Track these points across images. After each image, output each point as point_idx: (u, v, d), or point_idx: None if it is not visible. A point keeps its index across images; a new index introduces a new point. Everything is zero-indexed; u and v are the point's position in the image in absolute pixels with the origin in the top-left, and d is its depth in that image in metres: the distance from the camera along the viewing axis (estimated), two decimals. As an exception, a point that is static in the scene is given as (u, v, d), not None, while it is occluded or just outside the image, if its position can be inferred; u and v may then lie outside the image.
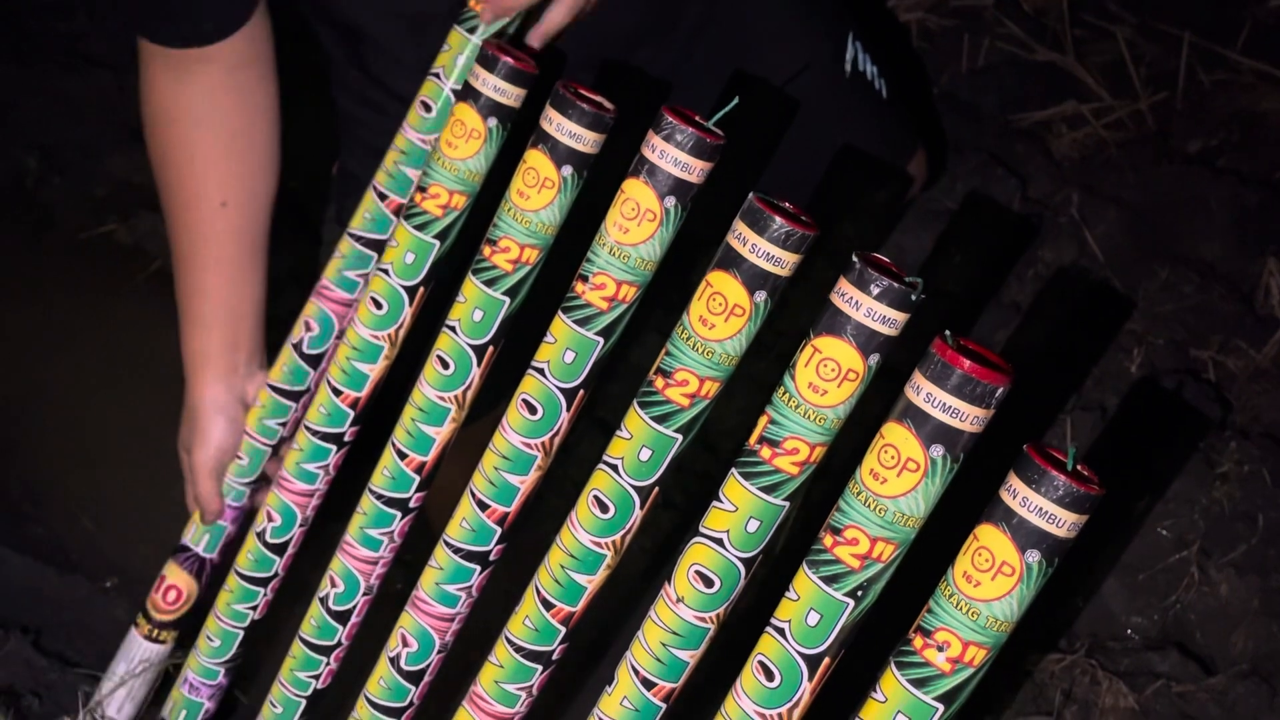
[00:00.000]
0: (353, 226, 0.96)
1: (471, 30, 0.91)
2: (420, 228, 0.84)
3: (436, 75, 0.91)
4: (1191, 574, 1.38)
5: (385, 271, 0.86)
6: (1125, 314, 1.69)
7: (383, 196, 0.94)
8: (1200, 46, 2.07)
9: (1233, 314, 1.68)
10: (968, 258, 1.76)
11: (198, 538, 1.07)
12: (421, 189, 0.83)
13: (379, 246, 0.95)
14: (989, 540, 0.60)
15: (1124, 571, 1.40)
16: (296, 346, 0.99)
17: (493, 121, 0.81)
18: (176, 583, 1.05)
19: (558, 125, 0.75)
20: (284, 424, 1.02)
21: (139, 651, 1.06)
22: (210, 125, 1.02)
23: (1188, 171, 1.89)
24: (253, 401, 1.04)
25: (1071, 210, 1.82)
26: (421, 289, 0.86)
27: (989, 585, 0.60)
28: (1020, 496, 0.59)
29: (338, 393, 0.90)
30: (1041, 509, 0.58)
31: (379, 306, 0.86)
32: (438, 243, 0.85)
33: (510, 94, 0.80)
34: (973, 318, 1.69)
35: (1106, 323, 1.69)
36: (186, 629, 1.08)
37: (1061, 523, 0.58)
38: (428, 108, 0.91)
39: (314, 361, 0.99)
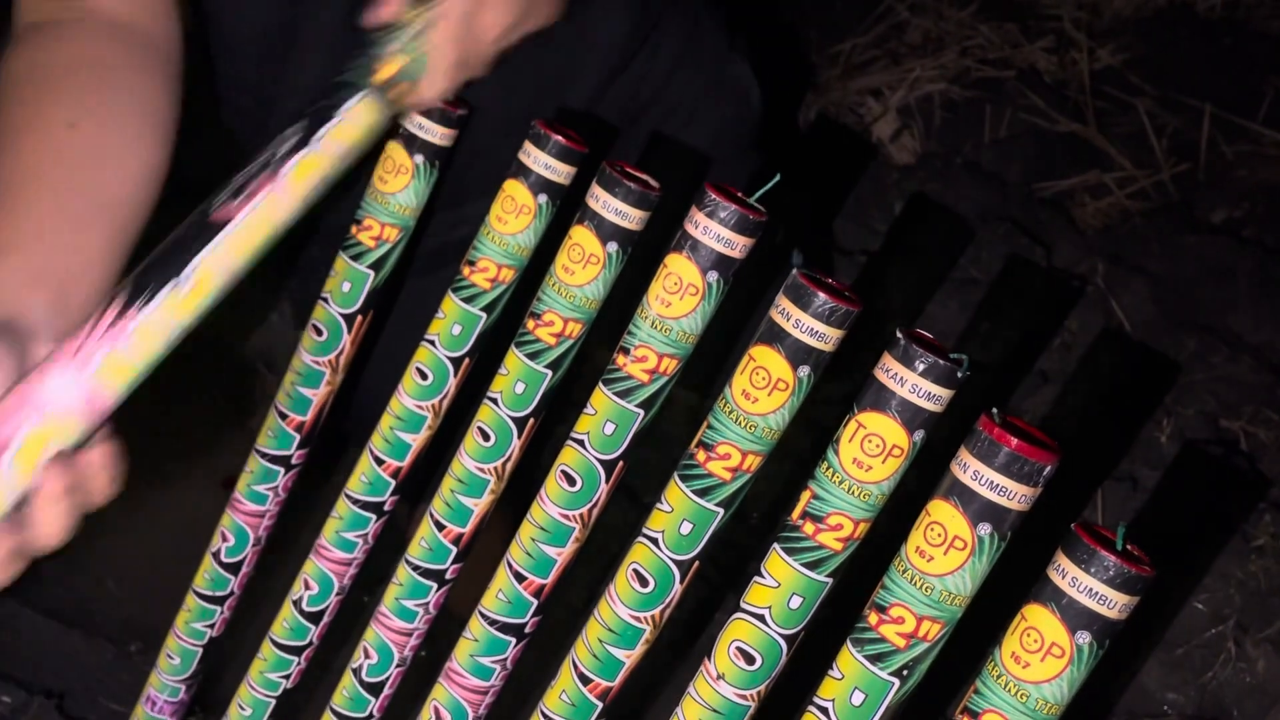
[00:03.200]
0: (259, 443, 0.98)
1: (355, 258, 0.92)
2: (468, 300, 0.85)
3: (325, 299, 0.93)
4: (1228, 649, 1.36)
5: (432, 343, 0.87)
6: (1154, 384, 1.68)
7: (284, 415, 0.96)
8: (1221, 118, 2.09)
9: (1263, 384, 1.67)
10: (994, 326, 1.76)
11: None
12: (470, 262, 0.85)
13: (285, 462, 0.97)
14: (1037, 621, 0.60)
15: (1159, 646, 1.38)
16: (215, 555, 1.01)
17: (543, 198, 0.82)
18: None
19: (604, 203, 0.76)
20: (212, 625, 1.04)
21: None
22: (78, 66, 0.79)
23: (1212, 241, 1.90)
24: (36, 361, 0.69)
25: (1098, 279, 1.83)
26: (467, 360, 0.87)
27: (1038, 667, 0.59)
28: (1070, 576, 0.59)
29: (380, 462, 0.90)
30: (1092, 590, 0.58)
31: (424, 377, 0.87)
32: (484, 315, 0.86)
33: (560, 171, 0.82)
34: (1001, 387, 1.69)
35: (1136, 393, 1.68)
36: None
37: (1113, 604, 0.58)
38: (319, 331, 0.93)
39: (233, 569, 1.01)
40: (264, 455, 0.97)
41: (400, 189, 0.89)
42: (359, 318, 0.93)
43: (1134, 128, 2.11)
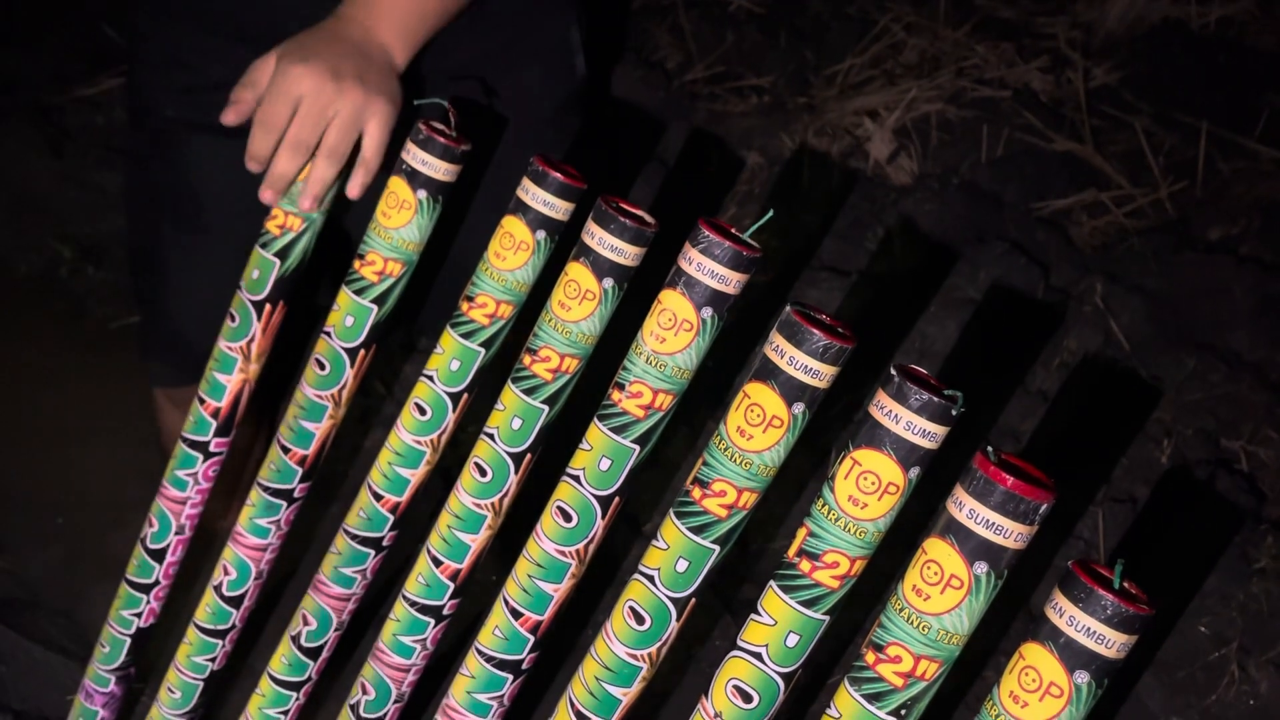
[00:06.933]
0: (261, 477, 0.98)
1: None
2: (466, 335, 0.85)
3: (328, 334, 0.93)
4: (1231, 672, 1.35)
5: (430, 378, 0.87)
6: (1153, 403, 1.68)
7: (286, 449, 0.96)
8: (1218, 135, 2.09)
9: (1262, 403, 1.67)
10: (992, 346, 1.76)
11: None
12: (469, 298, 0.85)
13: (287, 495, 0.97)
14: (1036, 660, 0.59)
15: (1161, 669, 1.37)
16: (217, 589, 1.01)
17: (541, 234, 0.82)
18: None
19: (599, 239, 0.76)
20: (213, 659, 1.03)
21: None
22: None
23: (1210, 259, 1.90)
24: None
25: (1095, 298, 1.83)
26: (466, 395, 0.87)
27: (1037, 707, 0.59)
28: (1067, 615, 0.58)
29: (378, 497, 0.90)
30: (1090, 629, 0.58)
31: (423, 412, 0.87)
32: (483, 350, 0.86)
33: (558, 208, 0.82)
34: (999, 407, 1.69)
35: (1134, 412, 1.68)
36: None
37: (1111, 643, 0.58)
38: (322, 365, 0.93)
39: (235, 603, 1.01)
40: (266, 489, 0.97)
41: (404, 224, 0.89)
42: (362, 352, 0.93)
43: (1130, 146, 2.11)
